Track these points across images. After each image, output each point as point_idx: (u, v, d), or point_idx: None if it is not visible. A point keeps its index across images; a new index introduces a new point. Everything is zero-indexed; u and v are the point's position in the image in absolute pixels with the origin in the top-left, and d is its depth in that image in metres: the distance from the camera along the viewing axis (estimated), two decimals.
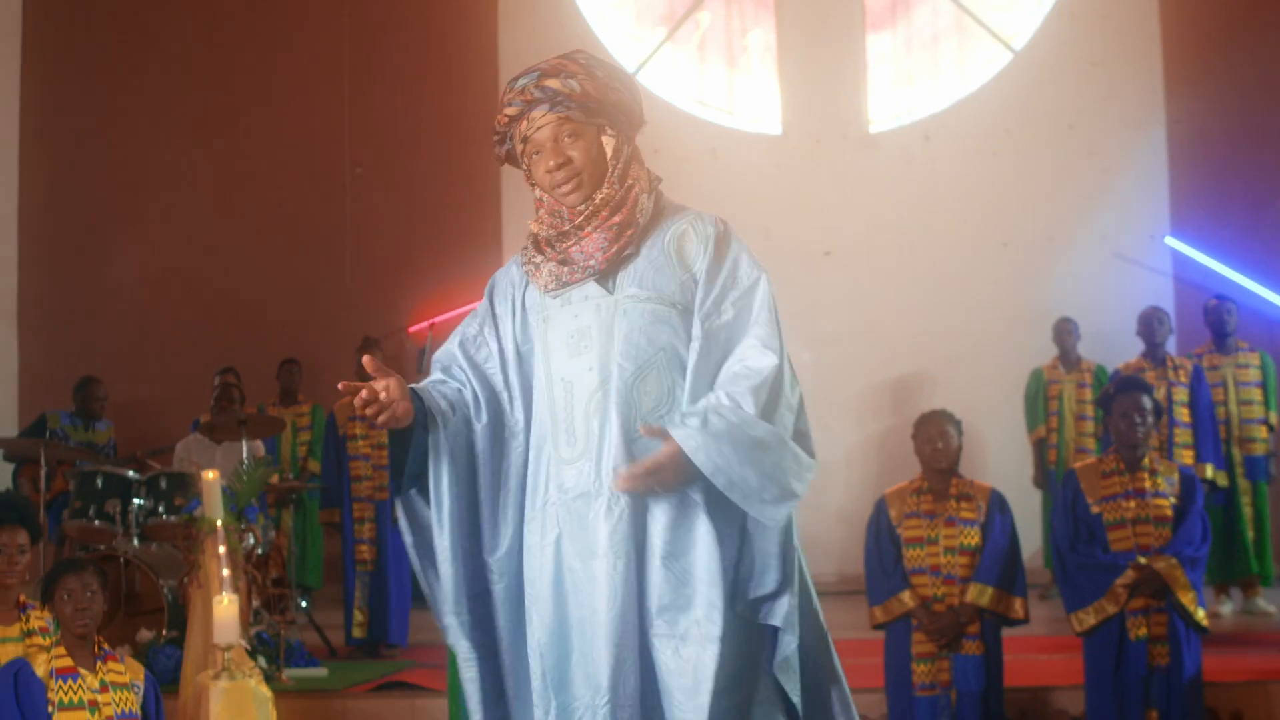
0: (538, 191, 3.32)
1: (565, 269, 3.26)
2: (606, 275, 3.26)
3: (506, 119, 3.31)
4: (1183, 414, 8.43)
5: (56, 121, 12.03)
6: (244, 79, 11.81)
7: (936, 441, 6.19)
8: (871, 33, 11.35)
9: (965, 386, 10.21)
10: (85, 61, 12.05)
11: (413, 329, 11.14)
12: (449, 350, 3.41)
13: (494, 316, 3.41)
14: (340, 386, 3.17)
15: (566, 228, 3.27)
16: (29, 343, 11.76)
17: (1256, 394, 8.82)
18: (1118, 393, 6.15)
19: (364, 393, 3.10)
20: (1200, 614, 5.73)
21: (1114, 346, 9.75)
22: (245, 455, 7.88)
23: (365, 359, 3.15)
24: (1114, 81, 10.89)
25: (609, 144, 3.29)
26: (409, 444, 3.24)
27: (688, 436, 3.03)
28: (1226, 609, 8.77)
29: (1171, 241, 10.50)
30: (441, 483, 3.24)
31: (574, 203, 3.26)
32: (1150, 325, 8.75)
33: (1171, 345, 9.13)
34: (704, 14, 11.69)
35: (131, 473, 7.96)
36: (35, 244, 11.91)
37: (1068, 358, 9.73)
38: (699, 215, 3.34)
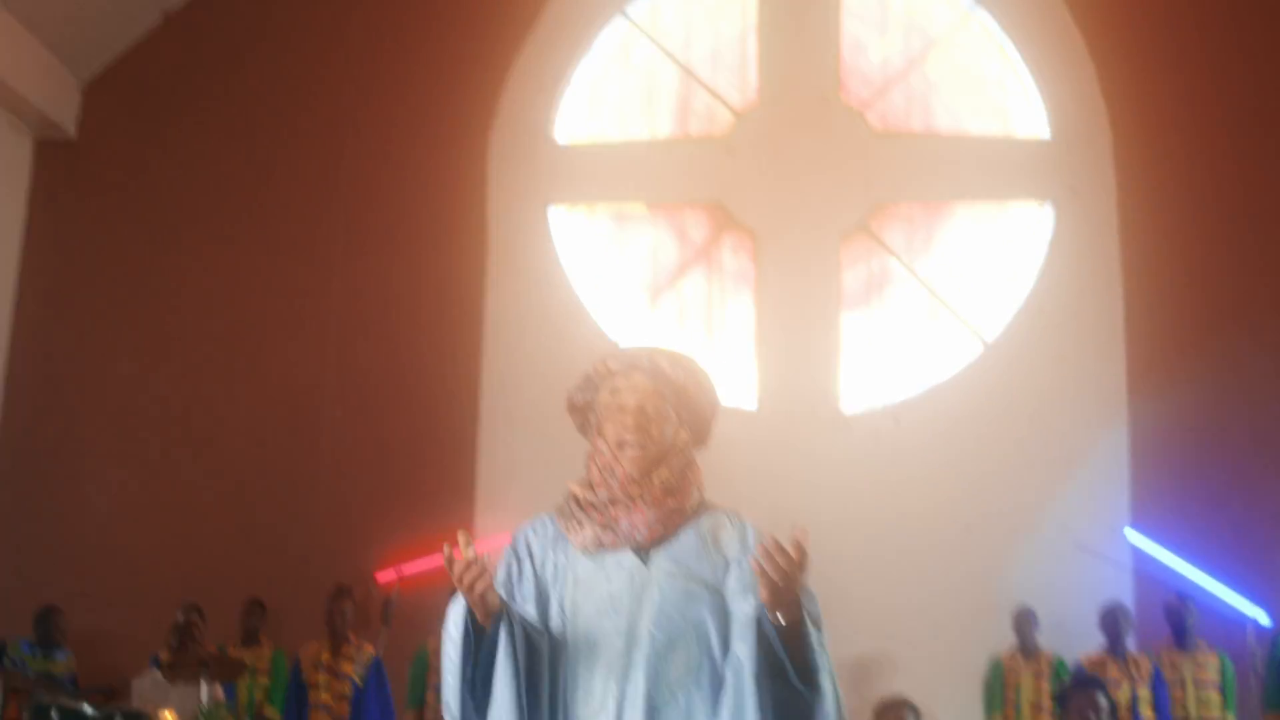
0: (602, 447, 3.53)
1: (608, 534, 3.46)
2: (643, 548, 3.45)
3: (607, 370, 3.58)
4: (1147, 712, 8.50)
5: (42, 346, 12.21)
6: (232, 322, 12.05)
7: None
8: (847, 313, 11.67)
9: (924, 669, 10.26)
10: (77, 293, 12.31)
11: (380, 576, 11.16)
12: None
13: (523, 575, 3.54)
14: (447, 546, 3.29)
15: (619, 495, 3.47)
16: None
17: (1215, 696, 8.91)
18: (1074, 689, 6.26)
19: (470, 552, 3.26)
20: None
21: (1073, 636, 9.83)
22: (204, 698, 7.83)
23: (460, 535, 3.30)
24: (1079, 377, 11.18)
25: (680, 438, 3.56)
26: (488, 635, 3.34)
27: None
28: None
29: (1131, 534, 10.68)
30: (504, 681, 3.31)
31: (630, 468, 3.48)
32: (1113, 621, 8.89)
33: (1133, 637, 9.22)
34: (685, 285, 12.04)
35: (87, 707, 7.89)
36: (8, 467, 11.97)
37: (1026, 647, 9.78)
38: (732, 512, 3.59)
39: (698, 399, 3.62)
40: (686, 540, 3.48)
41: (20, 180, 12.51)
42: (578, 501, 3.54)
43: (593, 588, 3.43)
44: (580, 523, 3.49)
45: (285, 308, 12.06)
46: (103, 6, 12.35)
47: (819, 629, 3.31)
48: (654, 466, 3.50)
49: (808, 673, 3.26)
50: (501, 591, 3.45)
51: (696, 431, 3.65)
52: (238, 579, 10.79)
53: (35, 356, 12.22)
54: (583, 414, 3.68)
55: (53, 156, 12.62)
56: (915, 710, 6.38)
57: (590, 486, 3.53)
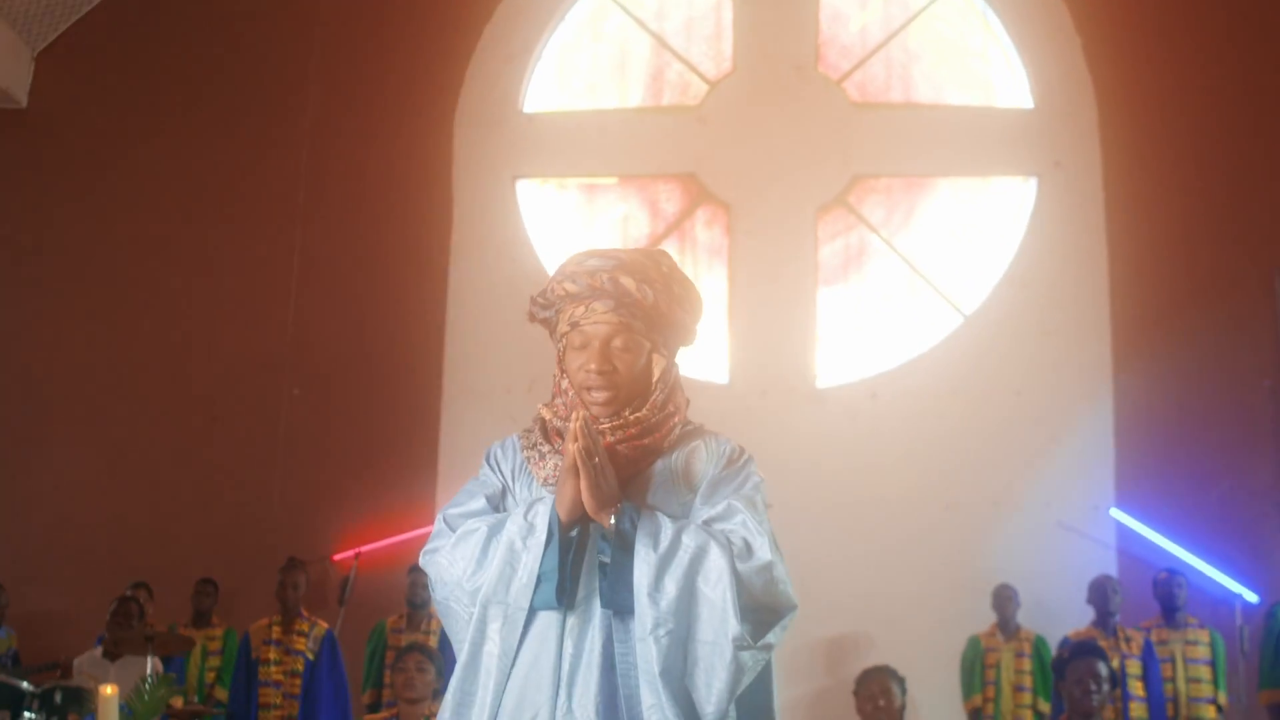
0: (565, 386, 3.09)
1: None
2: None
3: (563, 292, 3.06)
4: (1137, 687, 8.20)
5: None
6: (186, 291, 11.70)
7: (879, 699, 5.97)
8: (823, 287, 11.36)
9: (902, 650, 9.83)
10: (22, 265, 11.93)
11: (337, 557, 10.78)
12: (478, 509, 3.13)
13: (505, 488, 3.17)
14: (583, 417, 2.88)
15: None
16: None
17: (1205, 672, 8.61)
18: (1072, 658, 5.90)
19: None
20: None
21: (1054, 616, 9.55)
22: (149, 672, 7.45)
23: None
24: (1063, 351, 10.88)
25: (658, 365, 3.08)
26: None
27: (645, 536, 2.88)
28: None
29: (1116, 513, 10.35)
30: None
31: (599, 412, 3.02)
32: (1103, 593, 8.58)
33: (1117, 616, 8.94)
34: None
35: (25, 684, 7.51)
36: None
37: (1006, 625, 9.51)
38: (716, 436, 3.14)
39: (672, 313, 3.06)
40: (654, 476, 3.05)
41: None
42: (544, 429, 3.10)
43: None
44: (543, 455, 3.06)
45: (243, 280, 11.69)
46: None
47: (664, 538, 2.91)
48: (625, 404, 3.03)
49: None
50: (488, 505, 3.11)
51: (676, 342, 3.16)
52: (191, 560, 10.43)
53: None
54: (545, 326, 3.20)
55: (3, 125, 12.21)
56: (900, 679, 6.04)
57: (557, 415, 3.09)
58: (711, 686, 2.85)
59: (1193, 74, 11.23)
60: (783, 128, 11.60)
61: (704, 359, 11.27)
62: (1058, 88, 11.38)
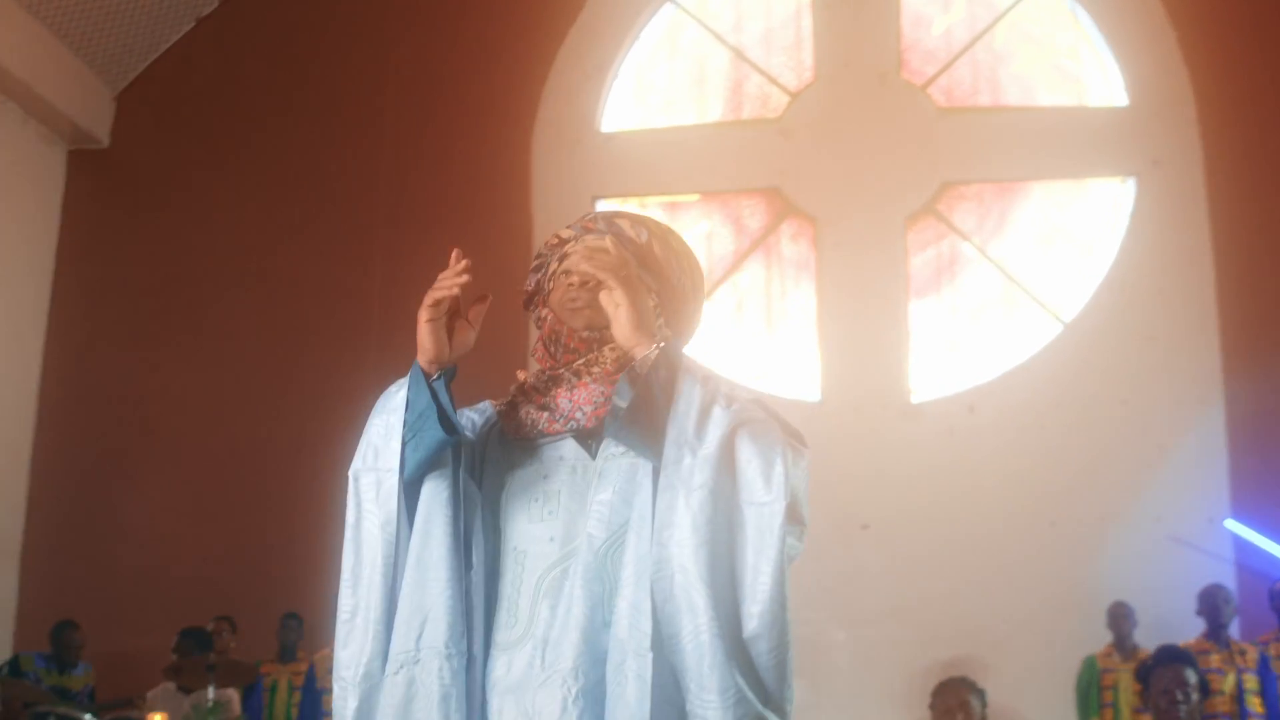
0: (546, 314, 2.88)
1: (544, 415, 2.71)
2: (591, 436, 2.67)
3: (558, 240, 2.89)
4: (1255, 703, 7.66)
5: (77, 364, 11.79)
6: (270, 328, 11.57)
7: (956, 713, 5.56)
8: (915, 299, 10.97)
9: (1012, 672, 9.47)
10: (110, 305, 11.89)
11: None
12: None
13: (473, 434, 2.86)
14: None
15: (561, 371, 2.74)
16: (30, 584, 11.25)
17: None
18: (1157, 665, 5.43)
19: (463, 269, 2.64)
20: None
21: (1170, 635, 8.95)
22: (209, 698, 7.25)
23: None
24: (1169, 357, 10.39)
25: (645, 303, 2.72)
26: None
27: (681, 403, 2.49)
28: None
29: (1232, 525, 9.82)
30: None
31: (577, 324, 2.75)
32: (1214, 603, 8.08)
33: (1234, 630, 8.43)
34: (743, 275, 11.39)
35: (88, 716, 7.35)
36: (46, 483, 11.53)
37: (1124, 645, 9.02)
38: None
39: (666, 265, 2.84)
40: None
41: (54, 191, 12.16)
42: (521, 388, 2.83)
43: (525, 486, 2.70)
44: (514, 406, 2.78)
45: (325, 311, 11.54)
46: (134, 14, 11.96)
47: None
48: (604, 327, 2.69)
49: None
50: None
51: (668, 300, 2.85)
52: (278, 594, 10.21)
53: (69, 367, 11.80)
54: (534, 307, 2.98)
55: (86, 165, 12.25)
56: (979, 690, 5.63)
57: (536, 369, 2.84)
58: (761, 567, 2.42)
59: None
60: (868, 137, 11.27)
61: (794, 376, 10.94)
62: (1153, 83, 10.93)
